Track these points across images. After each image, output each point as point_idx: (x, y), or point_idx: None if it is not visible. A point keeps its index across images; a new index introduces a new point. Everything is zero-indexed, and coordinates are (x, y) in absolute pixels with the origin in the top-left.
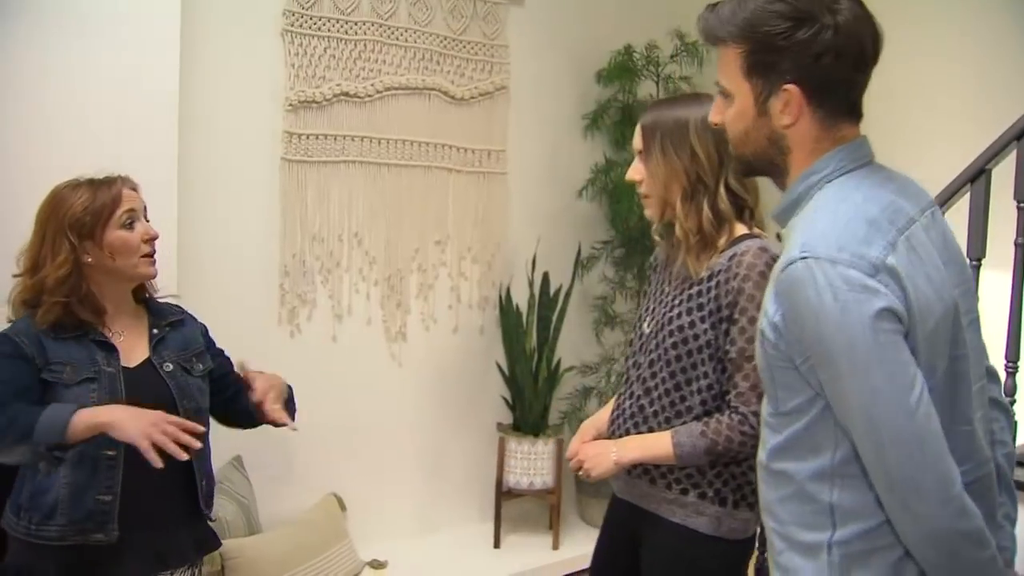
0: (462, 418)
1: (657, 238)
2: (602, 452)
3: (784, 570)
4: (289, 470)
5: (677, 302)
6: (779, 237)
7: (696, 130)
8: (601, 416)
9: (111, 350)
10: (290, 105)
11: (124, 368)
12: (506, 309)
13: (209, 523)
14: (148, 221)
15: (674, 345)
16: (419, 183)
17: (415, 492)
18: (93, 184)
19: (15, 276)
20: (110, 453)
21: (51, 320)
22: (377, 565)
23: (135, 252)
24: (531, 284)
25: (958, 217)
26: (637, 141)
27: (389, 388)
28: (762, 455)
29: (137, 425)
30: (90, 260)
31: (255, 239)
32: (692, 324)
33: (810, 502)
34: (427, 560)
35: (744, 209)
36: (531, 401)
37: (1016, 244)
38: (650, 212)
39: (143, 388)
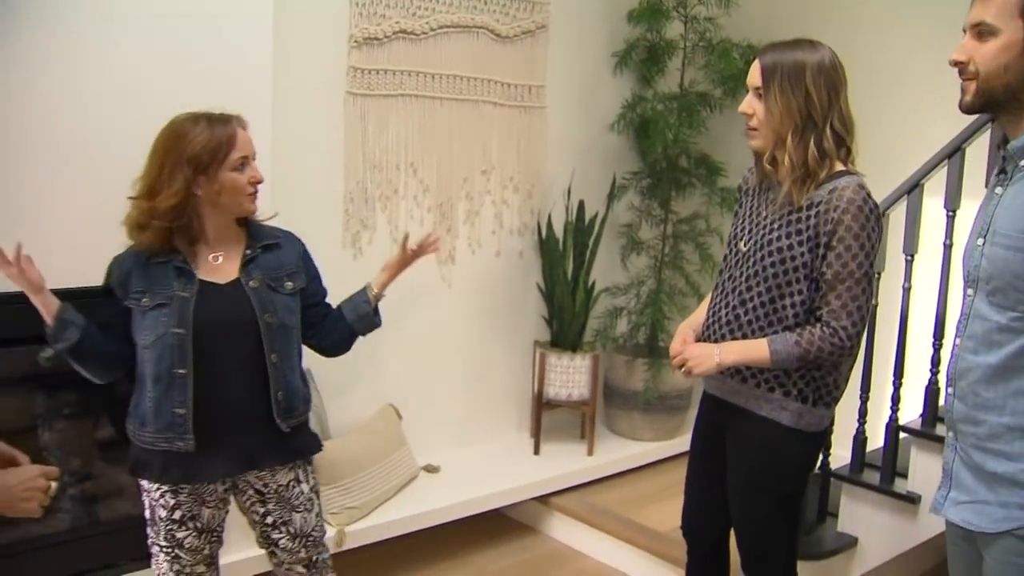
0: (503, 336)
1: (768, 167)
2: (706, 353)
3: (1009, 456)
4: (350, 382)
5: (776, 226)
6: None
7: (812, 73)
8: (695, 319)
9: (189, 276)
10: (354, 42)
11: (211, 285)
12: (547, 235)
13: (306, 429)
14: (255, 164)
15: (772, 264)
16: (468, 116)
17: (460, 403)
18: (211, 121)
19: (130, 199)
20: (181, 371)
21: (154, 241)
22: (431, 469)
23: (242, 192)
24: (567, 211)
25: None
26: (755, 78)
27: (439, 307)
28: (994, 358)
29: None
30: (200, 193)
31: (322, 168)
32: (791, 247)
33: None
34: (475, 465)
35: (842, 147)
36: (570, 319)
37: (944, 244)
38: (756, 143)
39: (227, 304)
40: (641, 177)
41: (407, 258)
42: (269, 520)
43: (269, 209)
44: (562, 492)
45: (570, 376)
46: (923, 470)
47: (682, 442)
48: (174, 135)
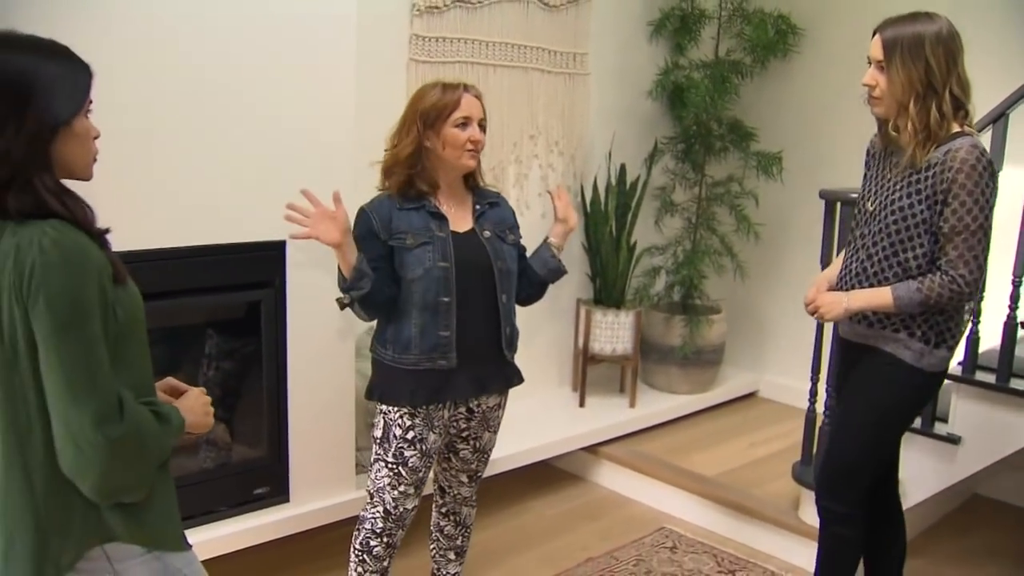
0: (547, 294)
1: (894, 133)
2: (835, 300)
3: None
4: None
5: (899, 187)
6: None
7: (931, 44)
8: (830, 272)
9: (443, 219)
10: (417, 11)
11: (454, 233)
12: (593, 197)
13: (514, 363)
14: (482, 128)
15: (895, 221)
16: (517, 82)
17: None
18: (445, 87)
19: (386, 150)
20: (446, 300)
21: (398, 184)
22: None
23: (460, 147)
24: (609, 174)
25: None
26: (877, 52)
27: None
28: None
29: None
30: (428, 145)
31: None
32: (911, 205)
33: None
34: (525, 418)
35: (960, 110)
36: (614, 278)
37: None
38: (879, 111)
39: (468, 249)
40: (676, 141)
41: (562, 202)
42: (465, 434)
43: (351, 168)
44: (608, 442)
45: (614, 332)
46: (963, 414)
47: (716, 394)
48: (416, 97)
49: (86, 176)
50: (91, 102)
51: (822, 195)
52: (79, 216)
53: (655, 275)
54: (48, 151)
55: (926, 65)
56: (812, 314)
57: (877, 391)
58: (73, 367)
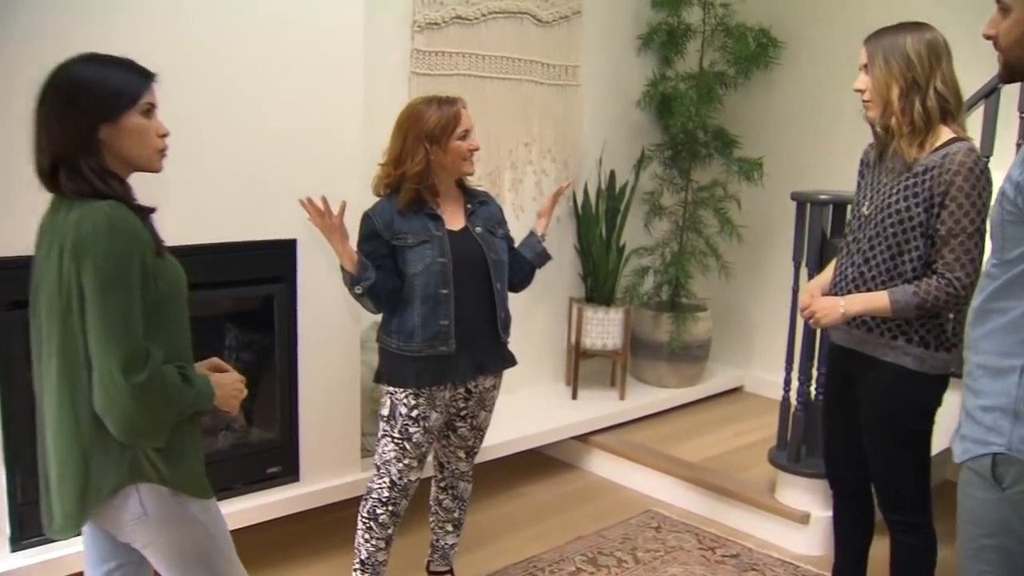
0: (541, 293)
1: (881, 131)
2: (832, 305)
3: (976, 392)
4: None
5: (895, 190)
6: None
7: (911, 42)
8: (822, 278)
9: (438, 219)
10: (418, 27)
11: (449, 231)
12: (585, 202)
13: (508, 347)
14: (474, 135)
15: (892, 224)
16: (512, 94)
17: None
18: (440, 102)
19: (380, 164)
20: (444, 291)
21: (407, 200)
22: None
23: (465, 157)
24: (600, 180)
25: (976, 123)
26: (862, 57)
27: None
28: (976, 301)
29: None
30: (434, 159)
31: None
32: (908, 208)
33: (1014, 333)
34: (523, 410)
35: (947, 112)
36: (604, 277)
37: (1017, 144)
38: (871, 114)
39: (463, 245)
40: (664, 149)
41: (552, 203)
42: (463, 413)
43: (360, 173)
44: (599, 432)
45: (605, 328)
46: None
47: (703, 388)
48: (413, 116)
49: (151, 168)
50: (150, 104)
51: (793, 197)
52: (122, 194)
53: (644, 275)
54: (92, 140)
55: (907, 59)
56: (808, 320)
57: (889, 403)
58: (110, 319)
